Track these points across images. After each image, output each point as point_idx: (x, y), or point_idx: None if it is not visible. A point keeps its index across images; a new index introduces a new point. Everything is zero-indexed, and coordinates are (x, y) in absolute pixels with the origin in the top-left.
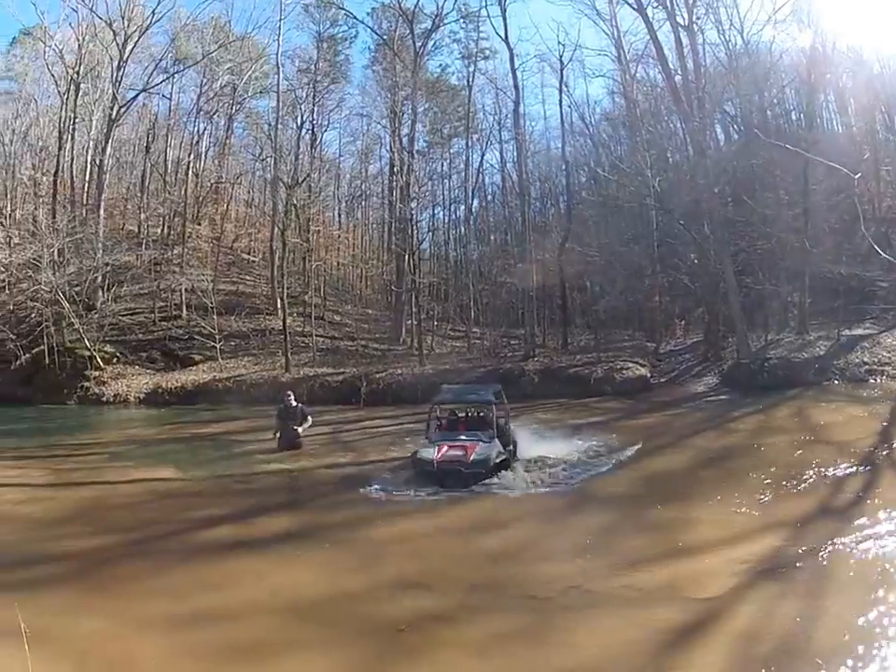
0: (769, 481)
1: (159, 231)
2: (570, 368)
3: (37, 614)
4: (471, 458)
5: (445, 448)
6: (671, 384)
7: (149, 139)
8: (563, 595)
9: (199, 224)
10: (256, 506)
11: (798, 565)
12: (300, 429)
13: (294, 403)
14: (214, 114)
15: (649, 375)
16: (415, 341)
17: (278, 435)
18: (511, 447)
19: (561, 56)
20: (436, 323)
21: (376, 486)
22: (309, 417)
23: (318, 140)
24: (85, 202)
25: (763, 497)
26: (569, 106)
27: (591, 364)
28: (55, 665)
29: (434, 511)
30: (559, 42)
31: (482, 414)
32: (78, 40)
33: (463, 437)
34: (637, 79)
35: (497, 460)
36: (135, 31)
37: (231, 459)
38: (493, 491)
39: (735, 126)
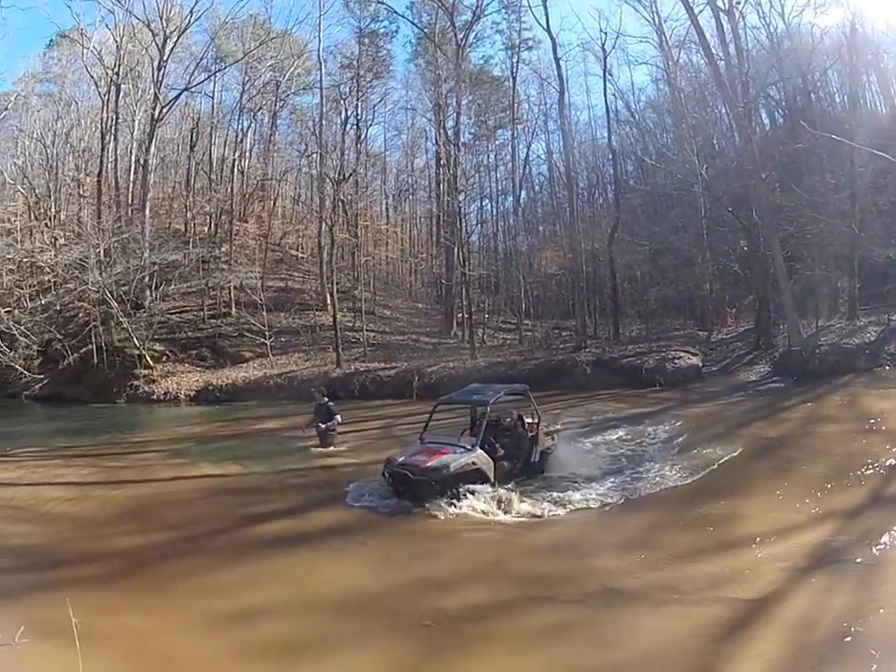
0: (822, 471)
1: (205, 229)
2: (622, 358)
3: (88, 612)
4: (426, 465)
5: (416, 451)
6: (723, 373)
7: (193, 138)
8: (609, 590)
9: (246, 221)
10: (307, 501)
11: (850, 557)
12: (322, 426)
13: (323, 401)
14: (257, 111)
15: (700, 364)
16: (466, 334)
17: (314, 431)
18: (536, 458)
19: (603, 44)
20: (487, 315)
21: (350, 499)
22: (337, 417)
23: (363, 135)
24: (130, 201)
25: (815, 488)
26: (614, 95)
27: (643, 354)
28: (105, 662)
29: (498, 501)
30: (601, 30)
31: (508, 419)
32: (116, 41)
33: (455, 442)
34: (680, 65)
35: (461, 471)
36: (174, 31)
37: (282, 455)
38: (432, 512)
39: (780, 111)
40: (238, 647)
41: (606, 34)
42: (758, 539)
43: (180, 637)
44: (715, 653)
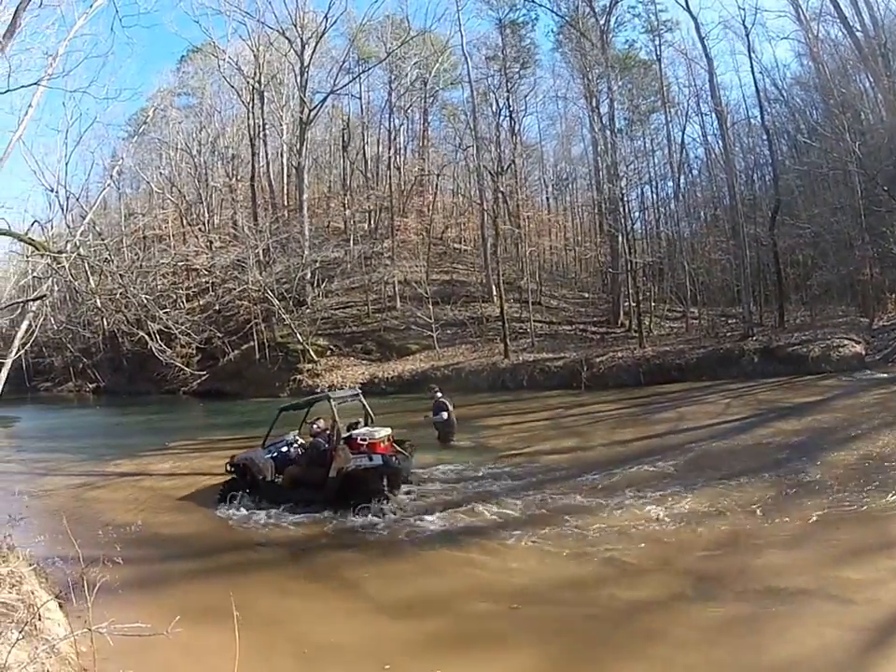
0: None
1: (365, 226)
2: (788, 346)
3: (249, 597)
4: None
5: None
6: (885, 361)
7: (345, 138)
8: (767, 590)
9: (406, 217)
10: (476, 492)
11: None
12: (431, 418)
13: (436, 396)
14: (408, 109)
15: (864, 353)
16: (633, 323)
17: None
18: (331, 474)
19: (744, 20)
20: (653, 304)
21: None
22: (442, 413)
23: (517, 126)
24: (286, 203)
25: None
26: (761, 73)
27: (808, 342)
28: (260, 648)
29: (664, 495)
30: (739, 7)
31: (317, 425)
32: (253, 51)
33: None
34: (820, 39)
35: (237, 463)
36: (311, 37)
37: (452, 447)
38: None
39: None
40: (403, 636)
41: (745, 10)
42: None
43: (340, 625)
44: (867, 663)
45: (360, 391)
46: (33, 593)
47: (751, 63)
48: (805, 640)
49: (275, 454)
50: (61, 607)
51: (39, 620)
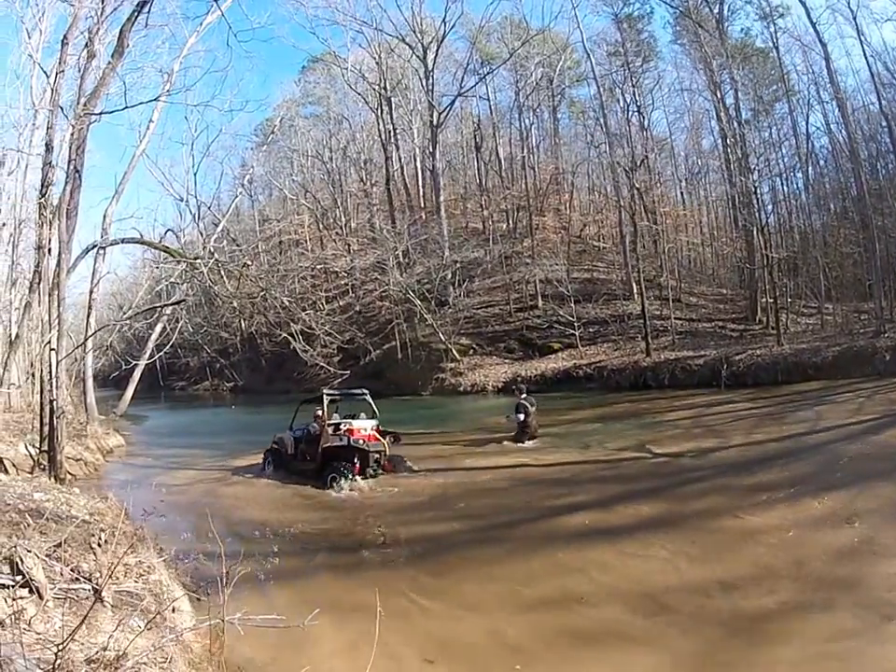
0: None
1: (503, 225)
2: None
3: (389, 593)
4: None
5: None
6: None
7: (477, 139)
8: (884, 600)
9: (544, 215)
10: (615, 492)
11: None
12: (513, 420)
13: (520, 396)
14: (536, 108)
15: None
16: (771, 319)
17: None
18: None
19: (849, 3)
20: (789, 300)
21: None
22: (519, 415)
23: (646, 121)
24: (422, 205)
25: None
26: (873, 56)
27: None
28: (397, 641)
29: (798, 499)
30: None
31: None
32: (374, 59)
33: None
34: None
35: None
36: (431, 41)
37: (591, 446)
38: None
39: None
40: (532, 635)
41: None
42: None
43: (473, 622)
44: None
45: (367, 392)
46: (161, 582)
47: (863, 47)
48: None
49: (298, 434)
50: (191, 600)
51: (173, 612)
